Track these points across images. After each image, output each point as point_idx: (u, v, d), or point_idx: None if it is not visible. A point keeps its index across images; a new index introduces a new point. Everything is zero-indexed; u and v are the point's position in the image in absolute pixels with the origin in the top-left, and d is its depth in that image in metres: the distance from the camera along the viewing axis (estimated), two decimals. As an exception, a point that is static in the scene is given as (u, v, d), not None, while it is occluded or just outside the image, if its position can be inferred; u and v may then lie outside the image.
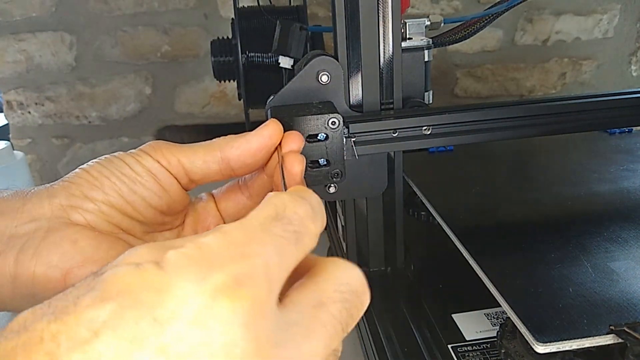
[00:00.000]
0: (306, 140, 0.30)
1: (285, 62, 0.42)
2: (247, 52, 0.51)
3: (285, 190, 0.22)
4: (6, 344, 0.13)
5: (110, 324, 0.13)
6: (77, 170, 0.24)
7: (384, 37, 0.34)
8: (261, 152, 0.25)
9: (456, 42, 0.42)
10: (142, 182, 0.24)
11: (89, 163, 0.24)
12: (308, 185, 0.27)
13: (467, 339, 0.33)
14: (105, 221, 0.23)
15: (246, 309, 0.14)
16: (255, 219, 0.16)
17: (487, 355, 0.31)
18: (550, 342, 0.25)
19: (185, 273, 0.14)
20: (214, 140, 0.25)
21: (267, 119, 0.31)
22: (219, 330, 0.13)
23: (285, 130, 0.28)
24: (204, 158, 0.25)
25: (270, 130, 0.25)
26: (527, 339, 0.26)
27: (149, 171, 0.24)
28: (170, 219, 0.26)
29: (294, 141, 0.25)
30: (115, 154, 0.25)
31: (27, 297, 0.22)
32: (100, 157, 0.25)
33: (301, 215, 0.17)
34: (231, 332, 0.13)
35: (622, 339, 0.25)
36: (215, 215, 0.27)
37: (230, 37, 0.56)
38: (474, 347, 0.32)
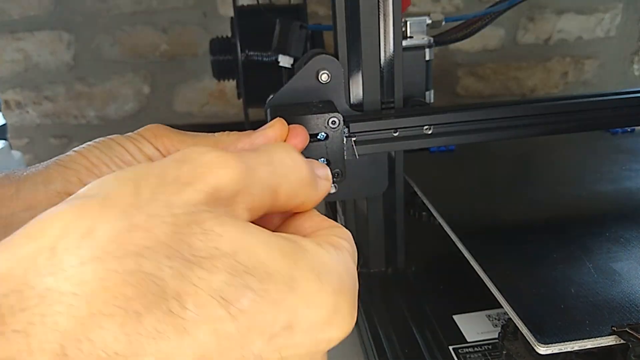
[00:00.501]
0: (306, 140, 0.29)
1: (285, 60, 0.42)
2: (247, 51, 0.51)
3: None
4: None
5: None
6: (72, 153, 0.22)
7: (384, 35, 0.34)
8: None
9: (457, 41, 0.41)
10: None
11: (85, 146, 0.23)
12: None
13: (469, 340, 0.33)
14: None
15: None
16: (354, 254, 0.18)
17: (489, 357, 0.31)
18: (552, 343, 0.25)
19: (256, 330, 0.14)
20: (217, 136, 0.24)
21: (266, 118, 0.31)
22: None
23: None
24: None
25: (276, 131, 0.24)
26: (528, 340, 0.26)
27: (150, 159, 0.23)
28: None
29: (298, 138, 0.24)
30: (112, 136, 0.23)
31: None
32: (96, 140, 0.23)
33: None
34: None
35: (624, 340, 0.25)
36: None
37: (229, 35, 0.56)
38: (475, 348, 0.32)
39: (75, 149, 0.23)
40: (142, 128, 0.24)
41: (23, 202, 0.21)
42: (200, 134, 0.24)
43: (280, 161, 0.17)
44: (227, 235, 0.14)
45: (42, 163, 0.23)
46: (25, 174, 0.22)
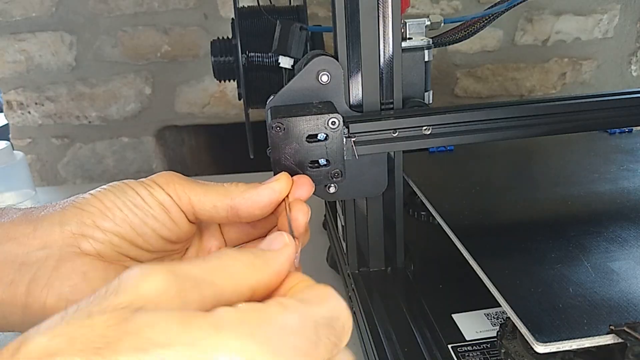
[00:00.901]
0: (306, 140, 0.30)
1: (285, 62, 0.42)
2: (247, 52, 0.51)
3: (291, 233, 0.23)
4: None
5: None
6: (88, 196, 0.24)
7: (384, 37, 0.34)
8: (270, 205, 0.25)
9: (456, 42, 0.42)
10: (153, 214, 0.24)
11: (101, 190, 0.24)
12: None
13: (467, 338, 0.33)
14: (114, 251, 0.23)
15: None
16: (315, 314, 0.17)
17: (487, 355, 0.31)
18: (550, 342, 0.25)
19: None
20: (225, 186, 0.25)
21: (266, 119, 0.31)
22: None
23: (286, 128, 0.28)
24: (214, 203, 0.25)
25: (282, 184, 0.25)
26: (527, 338, 0.26)
27: (161, 204, 0.24)
28: (177, 247, 0.26)
29: (303, 188, 0.26)
30: (127, 181, 0.24)
31: (36, 324, 0.22)
32: (112, 184, 0.24)
33: (345, 331, 0.18)
34: None
35: (622, 338, 0.25)
36: (218, 238, 0.28)
37: (230, 37, 0.56)
38: (474, 347, 0.32)
39: (91, 191, 0.24)
40: (155, 175, 0.25)
41: (39, 240, 0.23)
42: (209, 183, 0.25)
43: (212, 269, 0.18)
44: (136, 317, 0.15)
45: (59, 203, 0.24)
46: (42, 213, 0.23)
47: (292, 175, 0.27)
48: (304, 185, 0.26)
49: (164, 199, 0.24)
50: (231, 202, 0.25)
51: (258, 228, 0.28)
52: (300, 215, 0.25)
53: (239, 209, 0.25)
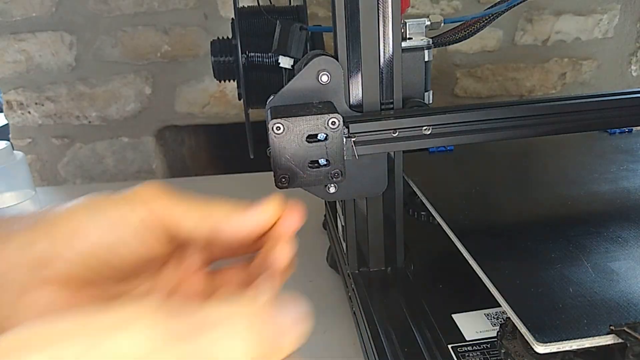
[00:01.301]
0: (306, 140, 0.30)
1: (285, 62, 0.42)
2: (247, 52, 0.51)
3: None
4: None
5: None
6: (63, 211, 0.22)
7: (384, 37, 0.34)
8: (256, 232, 0.24)
9: (456, 42, 0.42)
10: (132, 232, 0.22)
11: (76, 204, 0.22)
12: (308, 186, 0.27)
13: (467, 339, 0.33)
14: (87, 270, 0.22)
15: None
16: None
17: (487, 355, 0.31)
18: (550, 342, 0.25)
19: None
20: (210, 206, 0.23)
21: (266, 119, 0.31)
22: None
23: (286, 128, 0.28)
24: (195, 224, 0.23)
25: (271, 211, 0.24)
26: (527, 339, 0.26)
27: (142, 221, 0.22)
28: (154, 264, 0.25)
29: (293, 219, 0.24)
30: (105, 196, 0.22)
31: None
32: (89, 197, 0.22)
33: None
34: None
35: (622, 339, 0.25)
36: (201, 255, 0.26)
37: (230, 37, 0.56)
38: (474, 347, 0.32)
39: (66, 205, 0.22)
40: (137, 187, 0.23)
41: (6, 262, 0.21)
42: (194, 200, 0.23)
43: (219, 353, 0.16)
44: None
45: (31, 215, 0.22)
46: (13, 229, 0.22)
47: (291, 176, 0.26)
48: (294, 216, 0.24)
49: (144, 217, 0.22)
50: (213, 225, 0.23)
51: (244, 246, 0.25)
52: (283, 258, 0.23)
53: (222, 233, 0.23)
